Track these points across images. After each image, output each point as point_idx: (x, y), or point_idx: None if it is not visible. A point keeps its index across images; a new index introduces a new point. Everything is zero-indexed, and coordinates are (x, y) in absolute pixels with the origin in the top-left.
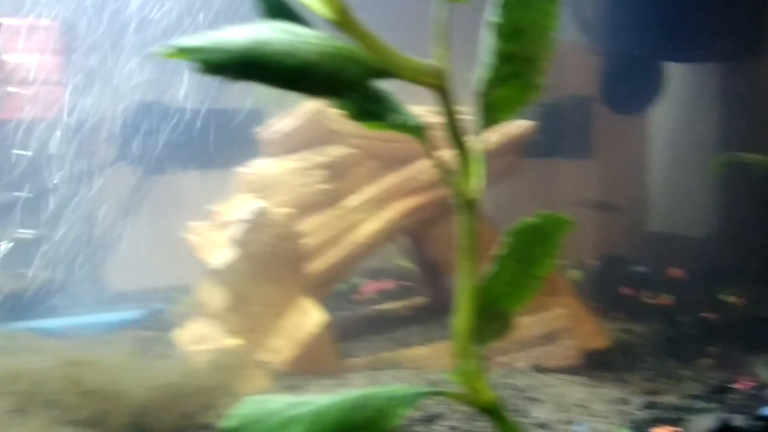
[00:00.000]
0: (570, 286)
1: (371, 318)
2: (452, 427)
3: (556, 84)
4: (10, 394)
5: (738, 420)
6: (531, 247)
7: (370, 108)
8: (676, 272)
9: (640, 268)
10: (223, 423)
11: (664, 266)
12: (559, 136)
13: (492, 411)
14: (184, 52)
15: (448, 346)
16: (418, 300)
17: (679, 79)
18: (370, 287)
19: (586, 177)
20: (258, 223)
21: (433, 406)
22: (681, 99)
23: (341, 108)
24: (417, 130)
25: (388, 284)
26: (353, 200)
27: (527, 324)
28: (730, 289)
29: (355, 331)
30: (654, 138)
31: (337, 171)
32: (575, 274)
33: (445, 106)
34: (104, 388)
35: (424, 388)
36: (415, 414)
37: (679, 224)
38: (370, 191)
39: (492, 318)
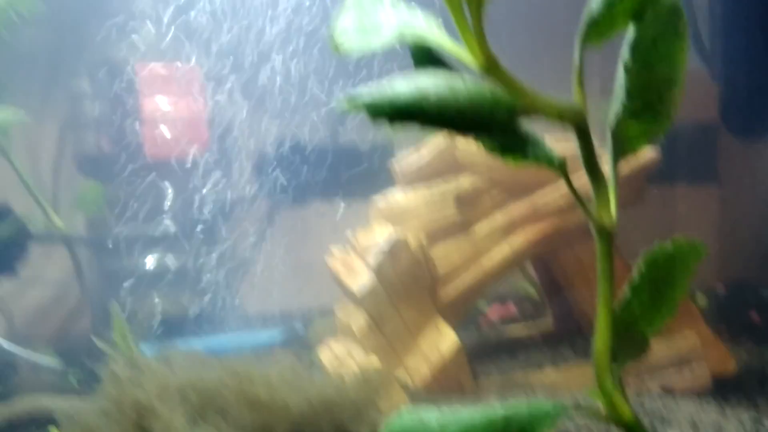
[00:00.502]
0: (697, 310)
1: (498, 340)
2: None
3: (680, 112)
4: (184, 405)
5: None
6: (666, 271)
7: (515, 145)
8: None
9: None
10: (385, 429)
11: None
12: (684, 163)
13: (631, 428)
14: (358, 104)
15: (579, 369)
16: (544, 323)
17: None
18: (494, 311)
19: (711, 202)
20: (395, 249)
21: (566, 424)
22: None
23: (489, 145)
24: (558, 164)
25: (512, 308)
26: (482, 227)
27: (657, 347)
28: None
29: (483, 353)
30: None
31: (466, 200)
32: (702, 299)
33: (583, 142)
34: (267, 400)
35: (567, 404)
36: None
37: None
38: (498, 218)
39: (629, 340)
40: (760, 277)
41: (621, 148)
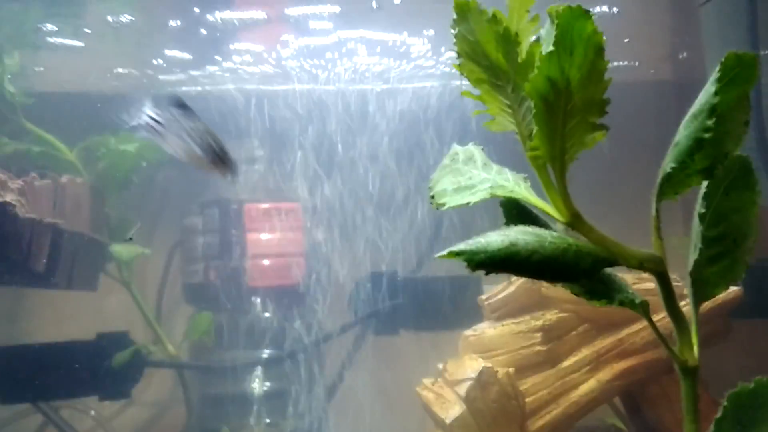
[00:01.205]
0: None
1: None
2: None
3: (760, 244)
4: None
5: None
6: (750, 411)
7: (601, 290)
8: None
9: None
10: None
11: None
12: (766, 297)
13: None
14: (457, 254)
15: None
16: None
17: None
18: None
19: None
20: (484, 381)
21: None
22: None
23: (577, 290)
24: (640, 307)
25: None
26: (569, 361)
27: None
28: None
29: None
30: None
31: (552, 333)
32: None
33: (663, 288)
34: None
35: None
36: None
37: None
38: (584, 353)
39: None
40: None
41: (700, 292)
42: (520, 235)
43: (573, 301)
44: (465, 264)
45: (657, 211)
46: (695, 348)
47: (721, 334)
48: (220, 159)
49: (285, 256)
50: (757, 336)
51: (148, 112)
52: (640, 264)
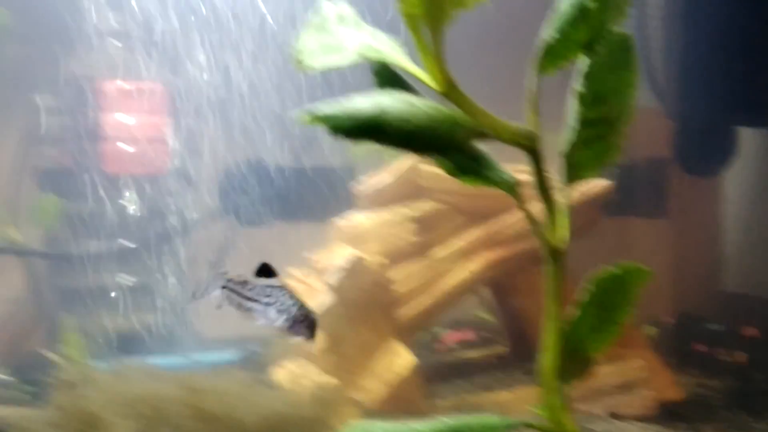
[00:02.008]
0: (645, 339)
1: (453, 364)
2: None
3: (633, 146)
4: (135, 417)
5: None
6: (612, 294)
7: (470, 166)
8: (750, 331)
9: (715, 326)
10: None
11: (739, 325)
12: (635, 196)
13: None
14: (318, 118)
15: (531, 392)
16: (499, 349)
17: (752, 143)
18: (451, 337)
19: (661, 236)
20: (354, 270)
21: None
22: (755, 162)
23: (445, 166)
24: (510, 187)
25: (469, 334)
26: (440, 252)
27: (605, 373)
28: None
29: (438, 375)
30: (729, 200)
31: (425, 224)
32: (650, 329)
33: (535, 165)
34: (221, 414)
35: (515, 420)
36: None
37: (755, 284)
38: (456, 243)
39: (575, 360)
40: (707, 311)
41: (572, 174)
42: (390, 101)
43: (449, 193)
44: (327, 128)
45: (534, 84)
46: (564, 231)
47: (590, 225)
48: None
49: (145, 141)
50: (626, 232)
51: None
52: (513, 137)
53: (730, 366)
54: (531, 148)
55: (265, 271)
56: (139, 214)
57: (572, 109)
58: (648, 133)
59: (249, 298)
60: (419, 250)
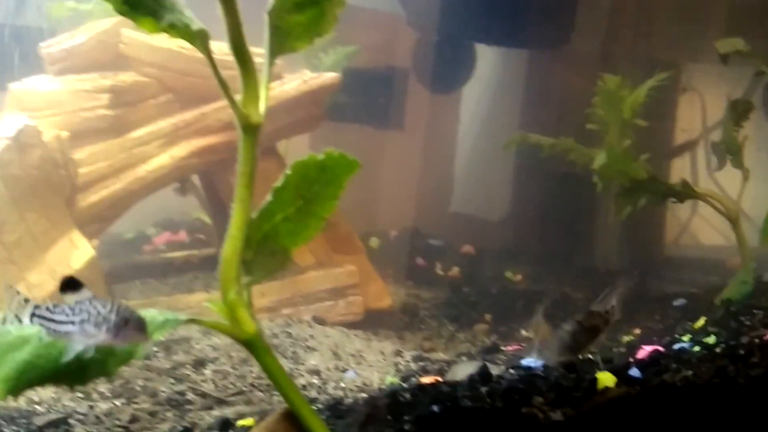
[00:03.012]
0: (362, 247)
1: (154, 264)
2: (220, 371)
3: (374, 52)
4: None
5: (496, 369)
6: (315, 184)
7: (149, 5)
8: (468, 249)
9: (436, 242)
10: None
11: (460, 243)
12: (373, 105)
13: (250, 346)
14: None
15: None
16: (208, 249)
17: (490, 61)
18: (162, 238)
19: (395, 149)
20: (23, 142)
21: (207, 351)
22: (491, 82)
23: (119, 6)
24: (192, 35)
25: (182, 236)
26: (141, 132)
27: (315, 278)
28: (513, 267)
29: (130, 275)
30: (464, 119)
31: (124, 98)
32: (375, 241)
33: (229, 16)
34: None
35: (177, 315)
36: (186, 358)
37: (479, 205)
38: (161, 124)
39: (270, 252)
40: (432, 227)
41: (280, 43)
42: None
43: (157, 66)
44: None
45: None
46: (261, 103)
47: (315, 120)
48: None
49: None
50: (360, 142)
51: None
52: None
53: (444, 279)
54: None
55: (71, 285)
56: None
57: None
58: (389, 40)
59: (61, 322)
60: (113, 128)
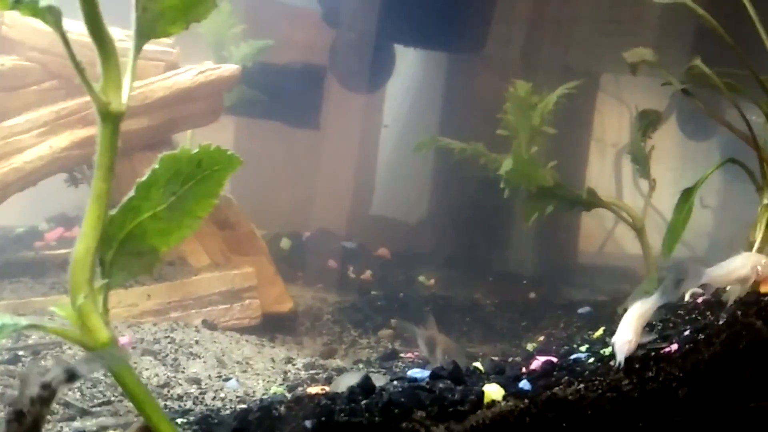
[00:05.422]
0: (264, 248)
1: (37, 262)
2: (90, 379)
3: (293, 48)
4: None
5: (381, 380)
6: (188, 180)
7: None
8: (383, 252)
9: (351, 245)
10: None
11: (377, 246)
12: (287, 102)
13: (104, 354)
14: None
15: (127, 295)
16: None
17: (410, 63)
18: (55, 234)
19: (310, 149)
20: None
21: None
22: (412, 83)
23: None
24: (46, 13)
25: (76, 231)
26: (18, 119)
27: (208, 280)
28: (428, 272)
29: (12, 273)
30: (384, 120)
31: (3, 83)
32: (286, 242)
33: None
34: None
35: (17, 320)
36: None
37: (398, 208)
38: (41, 113)
39: (135, 253)
40: (346, 229)
41: (151, 26)
42: None
43: (41, 50)
44: None
45: None
46: (123, 93)
47: (212, 113)
48: None
49: None
50: (271, 141)
51: None
52: None
53: (355, 282)
54: None
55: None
56: None
57: None
58: (309, 37)
59: None
60: None
